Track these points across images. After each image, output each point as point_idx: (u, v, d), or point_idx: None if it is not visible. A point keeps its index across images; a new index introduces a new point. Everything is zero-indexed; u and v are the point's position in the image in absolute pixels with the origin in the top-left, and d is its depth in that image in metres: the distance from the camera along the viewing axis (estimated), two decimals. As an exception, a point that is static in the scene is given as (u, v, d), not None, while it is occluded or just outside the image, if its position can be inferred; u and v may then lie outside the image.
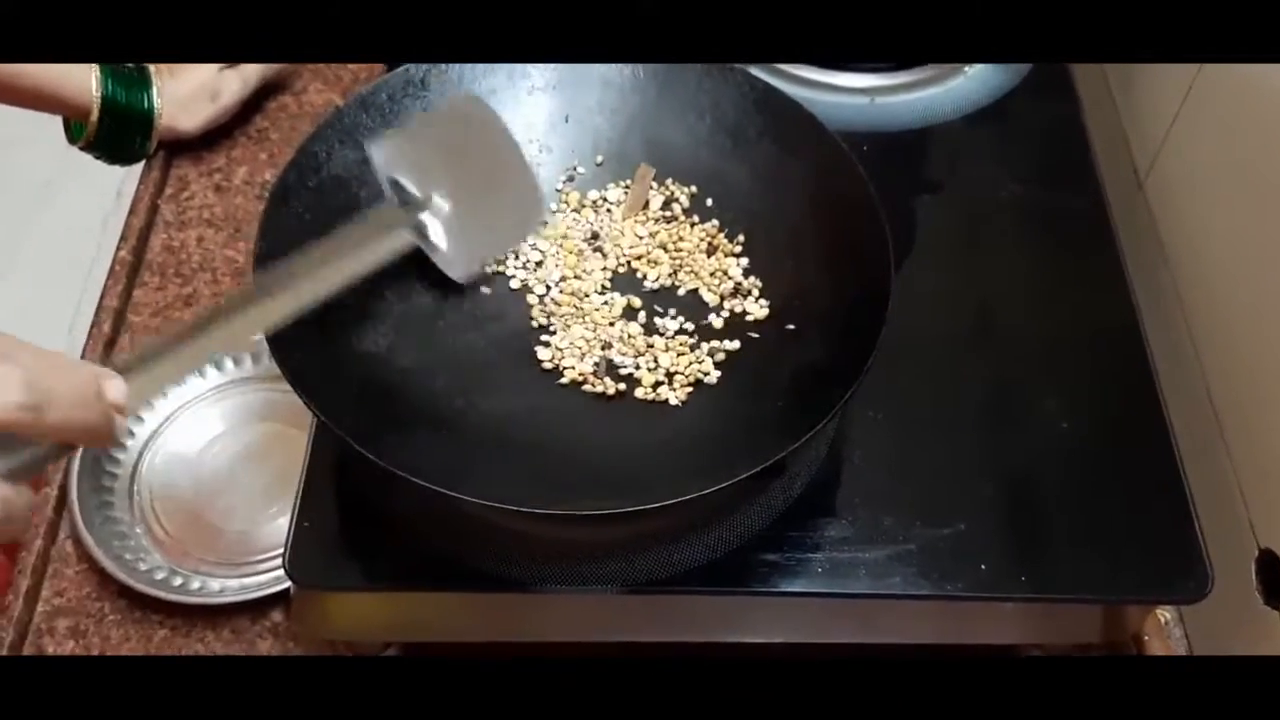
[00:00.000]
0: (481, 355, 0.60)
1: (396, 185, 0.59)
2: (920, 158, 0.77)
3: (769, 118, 0.64)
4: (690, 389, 0.59)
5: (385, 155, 0.59)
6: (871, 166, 0.60)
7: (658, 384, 0.59)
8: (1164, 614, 0.67)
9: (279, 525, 0.70)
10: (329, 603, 0.60)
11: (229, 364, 0.76)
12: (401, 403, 0.57)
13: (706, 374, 0.60)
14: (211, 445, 0.74)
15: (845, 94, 0.78)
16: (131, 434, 0.74)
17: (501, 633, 0.62)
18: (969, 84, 0.79)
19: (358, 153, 0.61)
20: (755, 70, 0.66)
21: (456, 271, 0.61)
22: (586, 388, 0.59)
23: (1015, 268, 0.70)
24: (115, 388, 0.43)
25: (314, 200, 0.59)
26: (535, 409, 0.59)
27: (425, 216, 0.59)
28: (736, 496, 0.58)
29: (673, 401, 0.59)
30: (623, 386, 0.59)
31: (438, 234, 0.59)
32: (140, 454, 0.73)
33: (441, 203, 0.59)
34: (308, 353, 0.54)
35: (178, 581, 0.68)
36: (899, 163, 0.76)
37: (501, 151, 0.62)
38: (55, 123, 0.84)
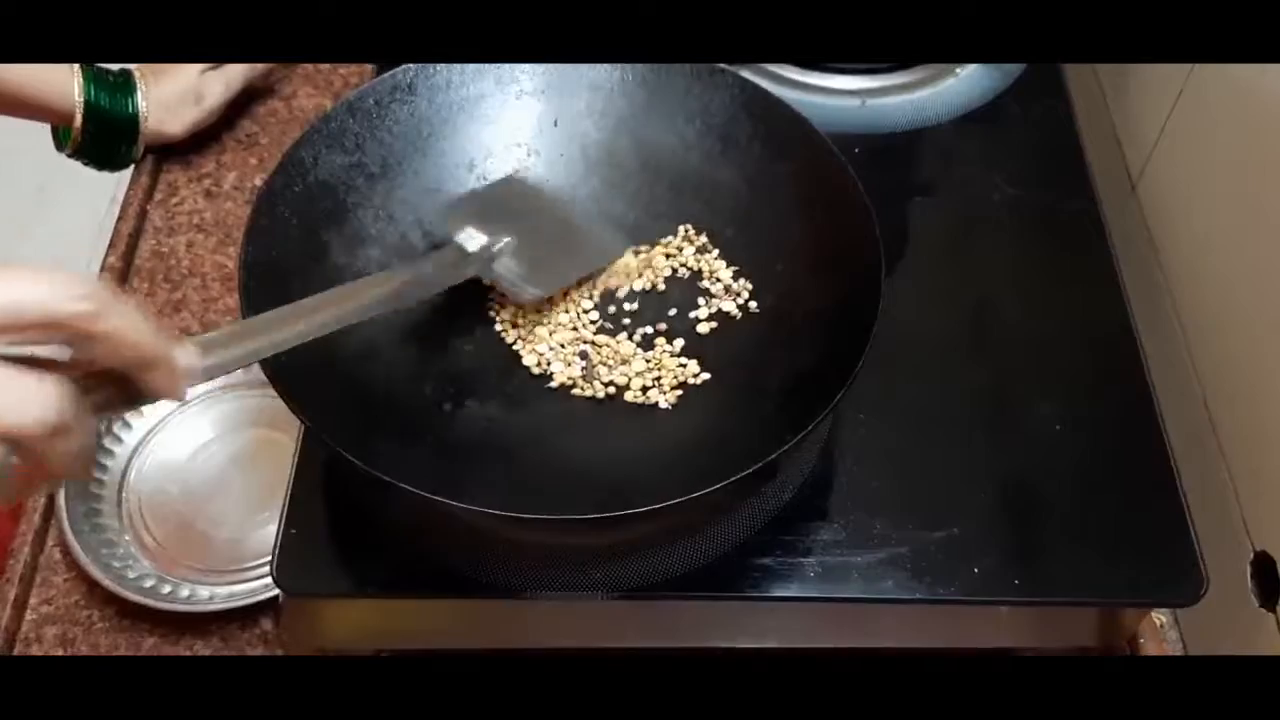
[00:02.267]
0: (469, 361, 0.60)
1: (460, 244, 0.59)
2: (912, 160, 0.77)
3: (759, 120, 0.64)
4: (679, 392, 0.59)
5: (453, 219, 0.60)
6: (863, 169, 0.60)
7: (646, 388, 0.59)
8: (1159, 617, 0.66)
9: (268, 532, 0.69)
10: (318, 610, 0.60)
11: None
12: (389, 409, 0.57)
13: (695, 376, 0.59)
14: (201, 452, 0.74)
15: (836, 96, 0.78)
16: (120, 440, 0.73)
17: (493, 640, 0.62)
18: (960, 86, 0.79)
19: (344, 157, 0.61)
20: (745, 73, 0.65)
21: (529, 291, 0.60)
22: (575, 392, 0.59)
23: (1008, 270, 0.70)
24: (185, 352, 0.42)
25: (301, 205, 0.59)
26: (523, 414, 0.58)
27: (495, 257, 0.60)
28: (727, 500, 0.58)
29: (662, 405, 0.58)
30: (611, 390, 0.59)
31: (506, 263, 0.60)
32: (129, 461, 0.73)
33: (507, 240, 0.60)
34: (295, 359, 0.54)
35: (166, 589, 0.68)
36: (890, 165, 0.75)
37: (566, 206, 0.64)
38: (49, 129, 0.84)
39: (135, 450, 0.73)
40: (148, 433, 0.74)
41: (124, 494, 0.72)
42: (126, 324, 0.38)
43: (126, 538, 0.70)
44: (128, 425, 0.74)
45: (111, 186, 1.40)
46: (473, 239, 0.59)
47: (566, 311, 0.62)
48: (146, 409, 0.74)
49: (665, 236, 0.65)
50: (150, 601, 0.66)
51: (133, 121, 0.82)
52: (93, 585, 0.68)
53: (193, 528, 0.71)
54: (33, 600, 0.68)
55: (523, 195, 0.64)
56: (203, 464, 0.73)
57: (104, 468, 0.72)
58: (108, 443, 0.73)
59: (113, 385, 0.40)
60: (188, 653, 0.66)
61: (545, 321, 0.61)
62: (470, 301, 0.62)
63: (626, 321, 0.62)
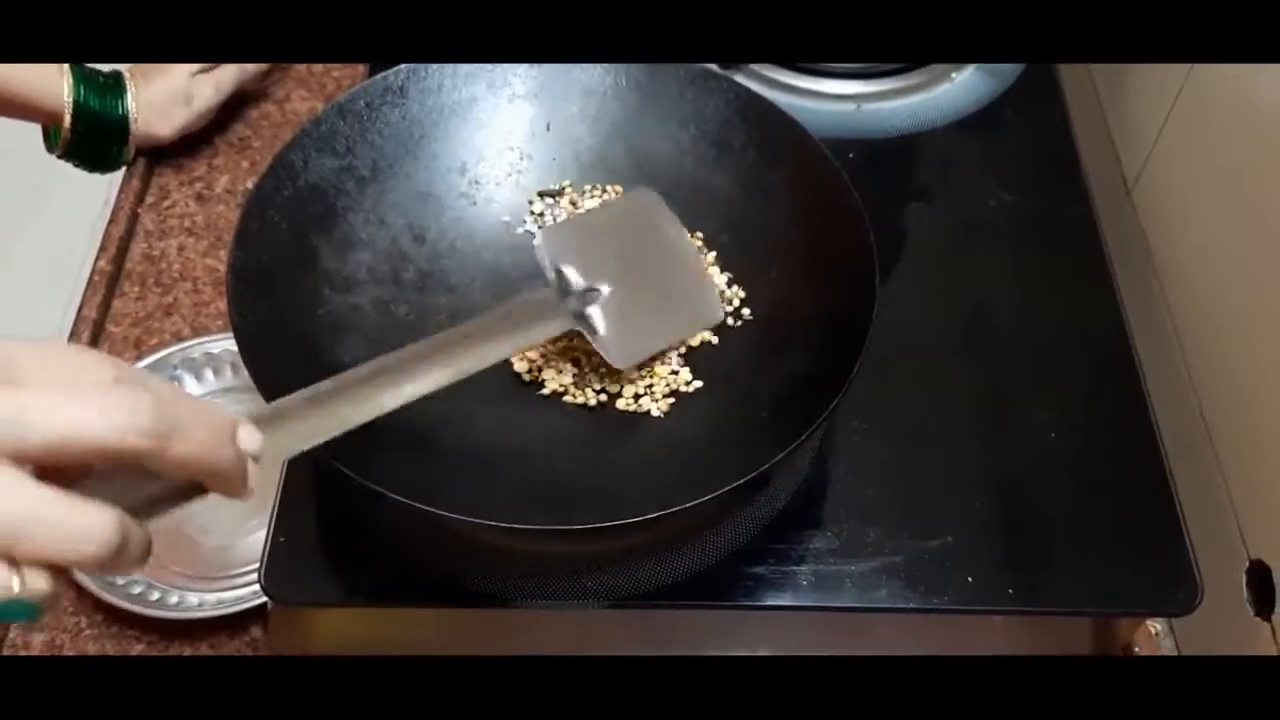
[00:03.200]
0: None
1: (560, 275, 0.57)
2: (907, 165, 0.77)
3: (753, 126, 0.63)
4: (672, 400, 0.59)
5: (551, 244, 0.57)
6: (857, 174, 0.59)
7: (638, 395, 0.59)
8: (1154, 625, 0.66)
9: (257, 539, 0.69)
10: (307, 619, 0.59)
11: (209, 374, 0.75)
12: (380, 417, 0.56)
13: (688, 384, 0.59)
14: None
15: (831, 101, 0.78)
16: None
17: (484, 649, 0.61)
18: (956, 91, 0.78)
19: (335, 160, 0.60)
20: (740, 78, 0.65)
21: (616, 356, 0.57)
22: (567, 399, 0.59)
23: (1003, 276, 0.70)
24: (249, 435, 0.38)
25: (291, 209, 0.58)
26: (515, 422, 0.58)
27: (590, 307, 0.56)
28: (720, 509, 0.57)
29: (655, 413, 0.58)
30: (604, 398, 0.59)
31: (599, 320, 0.57)
32: None
33: (606, 290, 0.57)
34: (284, 366, 0.53)
35: (155, 596, 0.67)
36: (885, 170, 0.75)
37: (676, 246, 0.61)
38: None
39: None
40: None
41: None
42: (192, 447, 0.35)
43: None
44: None
45: (104, 189, 1.40)
46: (574, 276, 0.56)
47: None
48: None
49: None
50: (138, 608, 0.66)
51: (123, 123, 0.82)
52: (81, 592, 0.67)
53: (181, 533, 0.70)
54: (20, 607, 0.68)
55: (634, 225, 0.60)
56: None
57: None
58: None
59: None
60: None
61: None
62: (456, 310, 0.62)
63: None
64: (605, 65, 0.64)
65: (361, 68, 0.84)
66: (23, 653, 0.66)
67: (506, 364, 0.60)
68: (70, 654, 0.66)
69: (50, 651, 0.66)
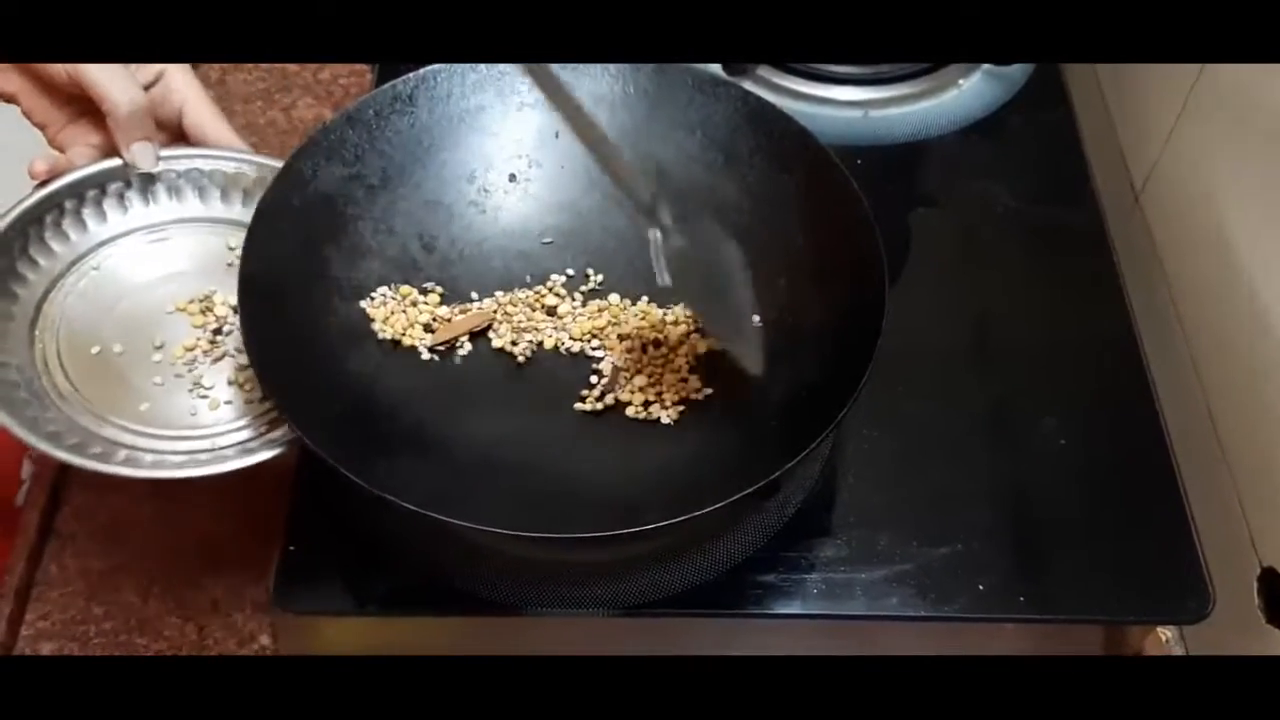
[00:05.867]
0: (470, 375, 0.60)
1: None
2: (915, 172, 0.77)
3: (761, 133, 0.63)
4: (681, 407, 0.58)
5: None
6: (865, 181, 0.59)
7: (648, 403, 0.58)
8: (1165, 633, 0.66)
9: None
10: (316, 628, 0.59)
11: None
12: (389, 425, 0.56)
13: (698, 391, 0.59)
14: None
15: (839, 107, 0.78)
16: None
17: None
18: (963, 97, 0.78)
19: (343, 169, 0.60)
20: (747, 85, 0.65)
21: (665, 275, 0.55)
22: (577, 406, 0.59)
23: (1011, 283, 0.70)
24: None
25: (300, 218, 0.58)
26: (526, 430, 0.58)
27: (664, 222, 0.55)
28: (730, 517, 0.57)
29: (664, 420, 0.58)
30: (612, 403, 0.59)
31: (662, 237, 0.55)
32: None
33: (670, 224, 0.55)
34: (294, 374, 0.54)
35: (96, 449, 0.54)
36: (893, 177, 0.75)
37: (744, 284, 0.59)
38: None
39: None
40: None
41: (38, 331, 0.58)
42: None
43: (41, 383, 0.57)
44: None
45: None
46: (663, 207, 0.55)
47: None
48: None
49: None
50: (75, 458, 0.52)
51: None
52: (89, 600, 0.67)
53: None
54: (29, 616, 0.68)
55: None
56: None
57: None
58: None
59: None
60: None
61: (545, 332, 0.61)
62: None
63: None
64: (613, 73, 0.64)
65: (368, 75, 0.84)
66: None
67: (516, 373, 0.60)
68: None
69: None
